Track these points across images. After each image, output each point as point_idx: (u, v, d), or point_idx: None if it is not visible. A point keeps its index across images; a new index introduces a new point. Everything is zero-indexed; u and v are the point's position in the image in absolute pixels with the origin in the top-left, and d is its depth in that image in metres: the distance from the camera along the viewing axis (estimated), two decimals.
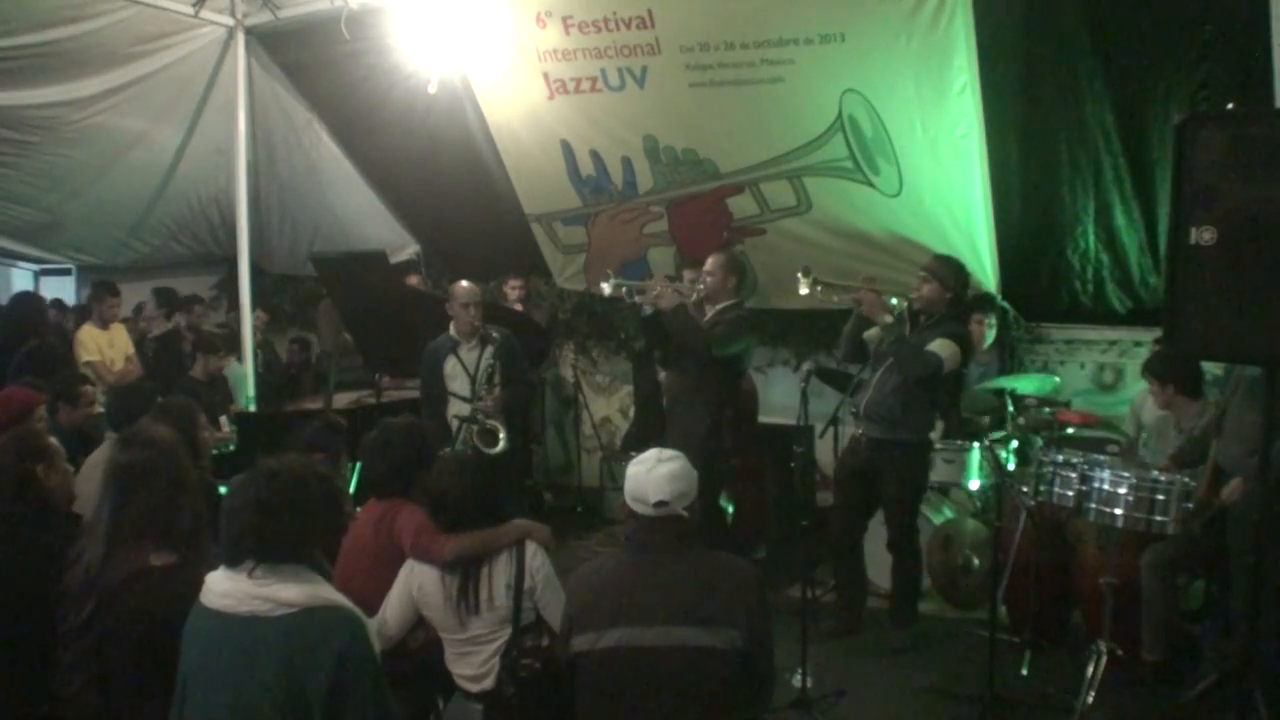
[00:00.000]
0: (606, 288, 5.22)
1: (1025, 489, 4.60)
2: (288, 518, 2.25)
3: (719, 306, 5.28)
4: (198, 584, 2.37)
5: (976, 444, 5.38)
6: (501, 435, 5.30)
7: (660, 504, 2.63)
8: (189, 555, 2.64)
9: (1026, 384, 5.60)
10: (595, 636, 2.61)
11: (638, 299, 5.25)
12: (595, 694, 2.64)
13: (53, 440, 3.23)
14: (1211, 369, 4.81)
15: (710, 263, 5.34)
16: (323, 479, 2.38)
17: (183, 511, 2.71)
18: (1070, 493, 4.14)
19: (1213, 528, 4.30)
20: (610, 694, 2.62)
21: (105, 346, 6.72)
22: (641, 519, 2.68)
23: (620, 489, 2.80)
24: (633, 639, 2.58)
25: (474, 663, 3.08)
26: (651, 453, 2.72)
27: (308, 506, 2.30)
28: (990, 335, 5.96)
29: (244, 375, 7.14)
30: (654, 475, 2.65)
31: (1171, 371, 4.59)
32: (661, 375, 6.13)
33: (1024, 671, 4.58)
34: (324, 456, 3.69)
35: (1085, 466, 4.13)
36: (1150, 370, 4.71)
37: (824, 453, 6.13)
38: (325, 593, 2.29)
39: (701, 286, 5.29)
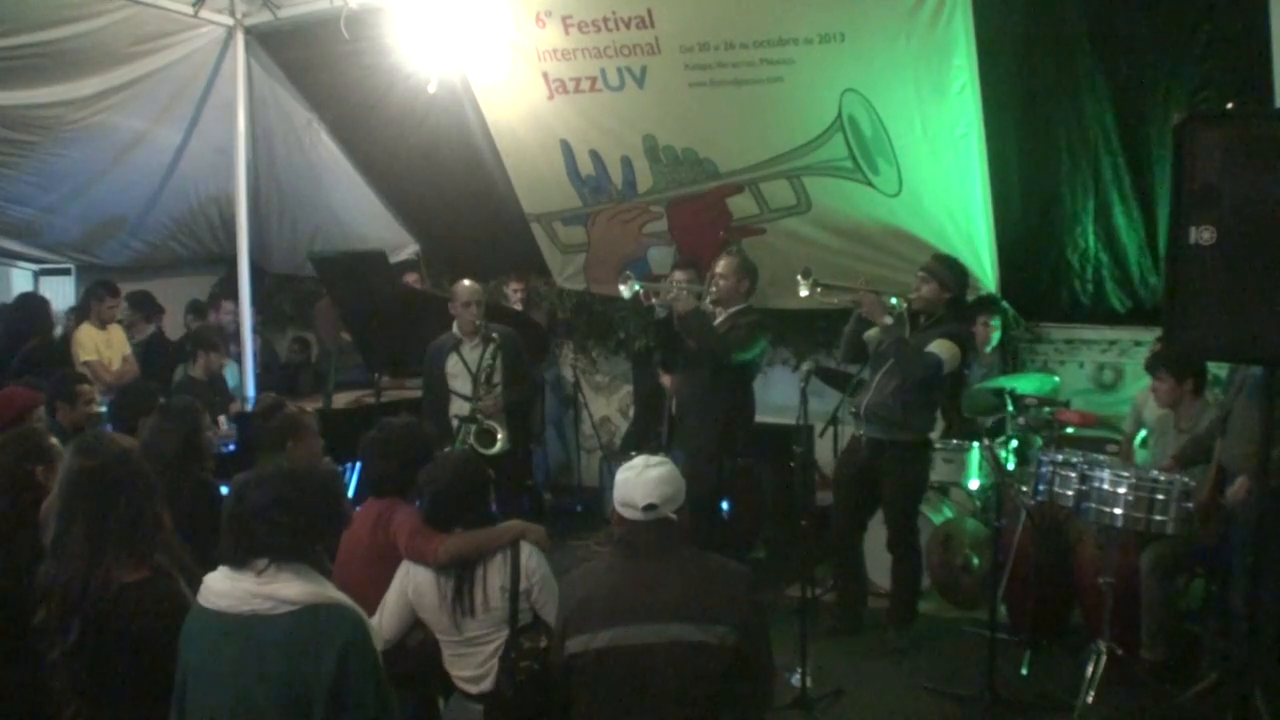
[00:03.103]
0: (625, 290, 5.18)
1: (1025, 489, 4.60)
2: (306, 513, 2.28)
3: (732, 310, 5.21)
4: (173, 596, 2.40)
5: (976, 444, 5.38)
6: (500, 435, 5.29)
7: (649, 508, 2.65)
8: (161, 566, 2.52)
9: (1026, 384, 5.59)
10: (589, 638, 2.62)
11: (654, 301, 5.23)
12: (591, 694, 2.65)
13: (53, 440, 3.22)
14: (1215, 368, 4.81)
15: (724, 265, 5.28)
16: (327, 474, 2.41)
17: (157, 523, 2.57)
18: (1070, 493, 4.14)
19: (1213, 527, 4.29)
20: (606, 693, 2.63)
21: (103, 346, 6.69)
22: (630, 523, 2.69)
23: None
24: (626, 638, 2.59)
25: (472, 664, 3.08)
26: (639, 459, 2.75)
27: (322, 501, 2.34)
28: (995, 337, 5.95)
29: (238, 374, 7.13)
30: (643, 479, 2.66)
31: (1188, 368, 4.58)
32: (665, 379, 6.11)
33: (1024, 671, 4.58)
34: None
35: (1085, 466, 4.13)
36: (1166, 367, 4.65)
37: (824, 453, 6.12)
38: (327, 591, 2.29)
39: (715, 289, 5.25)
